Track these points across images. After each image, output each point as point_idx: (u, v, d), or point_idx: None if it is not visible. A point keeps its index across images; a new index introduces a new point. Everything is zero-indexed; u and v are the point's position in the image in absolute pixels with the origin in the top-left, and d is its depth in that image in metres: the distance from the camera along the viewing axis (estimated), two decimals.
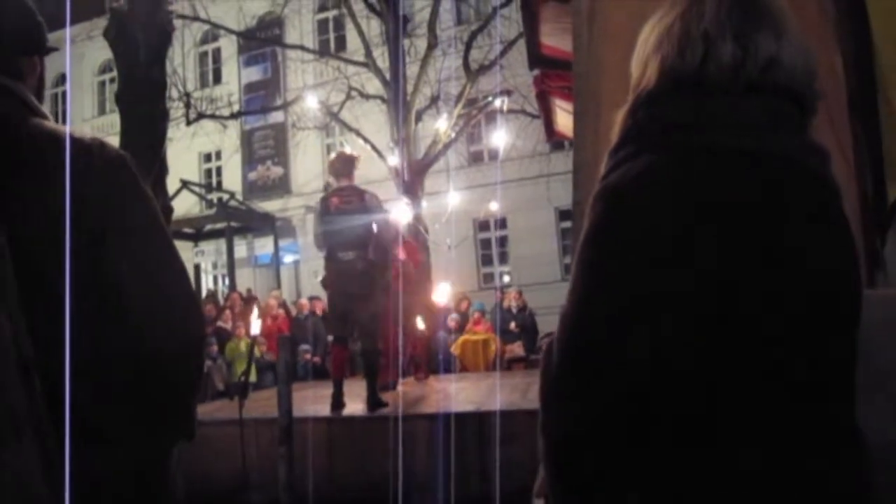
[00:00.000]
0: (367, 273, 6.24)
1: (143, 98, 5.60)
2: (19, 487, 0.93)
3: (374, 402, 6.24)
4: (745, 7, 1.15)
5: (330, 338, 8.11)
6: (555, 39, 6.10)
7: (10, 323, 0.98)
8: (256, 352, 9.19)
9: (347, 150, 7.33)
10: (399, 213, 8.68)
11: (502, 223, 21.86)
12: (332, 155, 6.89)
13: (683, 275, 1.04)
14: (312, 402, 6.72)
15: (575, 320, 1.10)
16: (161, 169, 5.86)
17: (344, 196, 6.39)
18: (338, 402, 6.27)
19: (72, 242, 1.48)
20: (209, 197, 22.86)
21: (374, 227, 6.32)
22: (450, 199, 13.84)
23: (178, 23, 7.98)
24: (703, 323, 1.03)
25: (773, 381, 1.01)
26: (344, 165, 6.52)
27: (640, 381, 1.04)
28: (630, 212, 1.09)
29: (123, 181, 1.58)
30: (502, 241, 22.45)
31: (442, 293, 9.63)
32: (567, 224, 21.19)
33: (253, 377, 9.38)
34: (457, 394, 7.31)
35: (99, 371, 1.47)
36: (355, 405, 6.40)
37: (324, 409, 6.27)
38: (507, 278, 21.15)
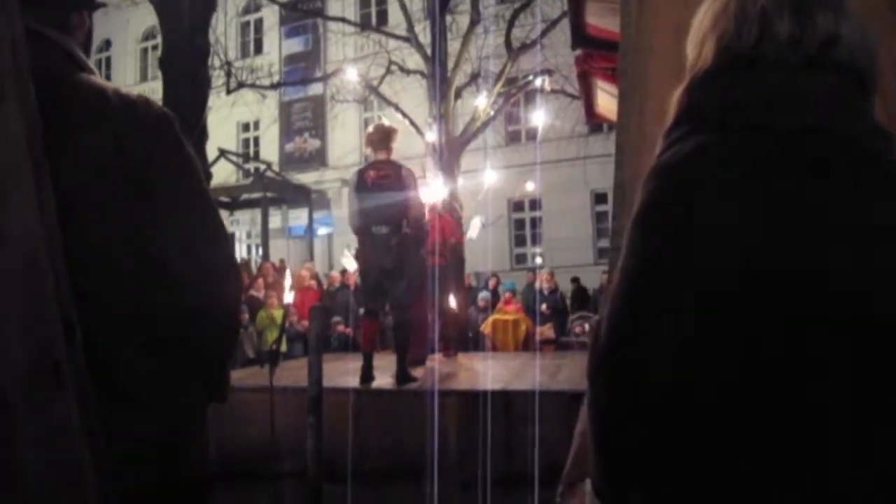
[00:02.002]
0: (401, 248, 6.21)
1: (187, 64, 5.63)
2: (59, 439, 0.93)
3: (403, 376, 6.26)
4: None
5: (361, 310, 8.12)
6: (600, 19, 6.02)
7: (56, 281, 0.97)
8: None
9: (386, 122, 7.25)
10: (435, 189, 8.63)
11: (537, 204, 21.78)
12: (370, 127, 6.82)
13: (736, 254, 1.01)
14: (342, 373, 6.75)
15: (623, 298, 1.07)
16: (201, 135, 5.90)
17: (381, 170, 6.33)
18: (367, 375, 6.29)
19: (113, 197, 1.48)
20: (246, 166, 23.01)
21: (410, 201, 6.28)
22: (486, 177, 13.78)
23: None
24: (757, 305, 0.99)
25: (830, 367, 0.98)
26: (382, 139, 6.43)
27: (690, 361, 1.01)
28: (683, 189, 1.06)
29: (168, 138, 1.58)
30: (536, 223, 22.37)
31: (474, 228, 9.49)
32: (602, 207, 21.07)
33: (283, 347, 9.46)
34: (485, 372, 7.31)
35: (136, 329, 1.48)
36: (384, 379, 6.42)
37: (353, 381, 6.29)
38: (538, 259, 21.09)
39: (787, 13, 1.10)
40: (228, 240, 1.71)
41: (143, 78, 26.79)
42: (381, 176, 6.28)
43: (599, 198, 21.11)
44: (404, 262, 6.25)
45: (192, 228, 1.57)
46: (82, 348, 1.04)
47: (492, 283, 14.03)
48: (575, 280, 14.89)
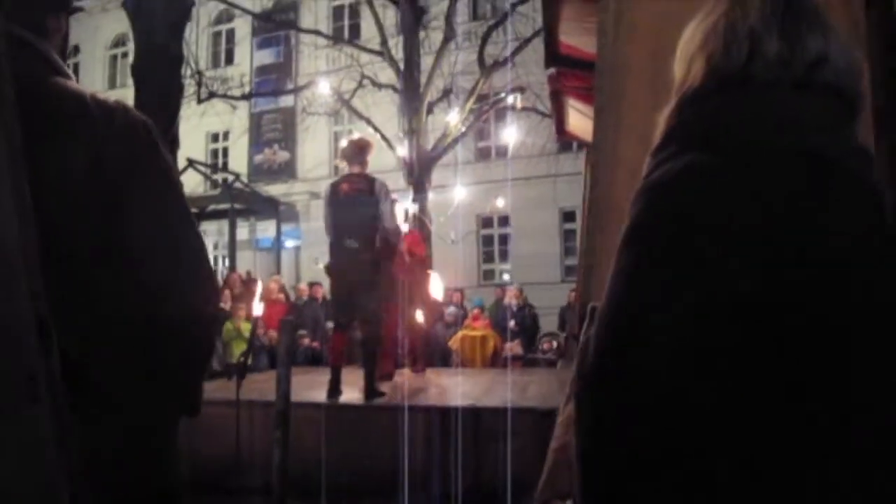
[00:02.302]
0: (373, 262, 6.18)
1: (160, 71, 5.57)
2: (33, 454, 0.90)
3: (371, 391, 6.21)
4: (791, 5, 1.13)
5: (329, 324, 8.03)
6: (574, 38, 6.06)
7: (30, 282, 0.94)
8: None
9: (356, 136, 7.22)
10: (405, 204, 8.59)
11: (505, 221, 21.83)
12: (344, 141, 6.79)
13: (725, 274, 1.00)
14: (309, 387, 6.69)
15: (613, 318, 1.06)
16: (172, 144, 5.83)
17: (354, 183, 6.31)
18: (335, 390, 6.23)
19: (90, 203, 1.45)
20: (214, 177, 22.79)
21: (382, 216, 6.26)
22: (456, 193, 13.79)
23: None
24: (749, 324, 0.99)
25: (826, 377, 0.98)
26: (356, 152, 6.42)
27: (681, 382, 1.00)
28: (673, 208, 1.06)
29: (145, 145, 1.56)
30: (504, 239, 22.42)
31: (436, 288, 9.21)
32: (570, 225, 21.18)
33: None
34: (454, 388, 7.29)
35: (110, 336, 1.45)
36: (352, 394, 6.37)
37: (320, 395, 6.24)
38: (506, 276, 21.11)
39: (776, 33, 1.10)
40: (206, 252, 1.68)
41: (112, 85, 26.47)
42: (354, 189, 6.26)
43: (568, 216, 21.22)
44: (375, 276, 6.22)
45: (170, 240, 1.55)
46: (57, 353, 1.00)
47: (456, 297, 13.90)
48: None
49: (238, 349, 9.14)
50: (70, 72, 1.64)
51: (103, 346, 1.43)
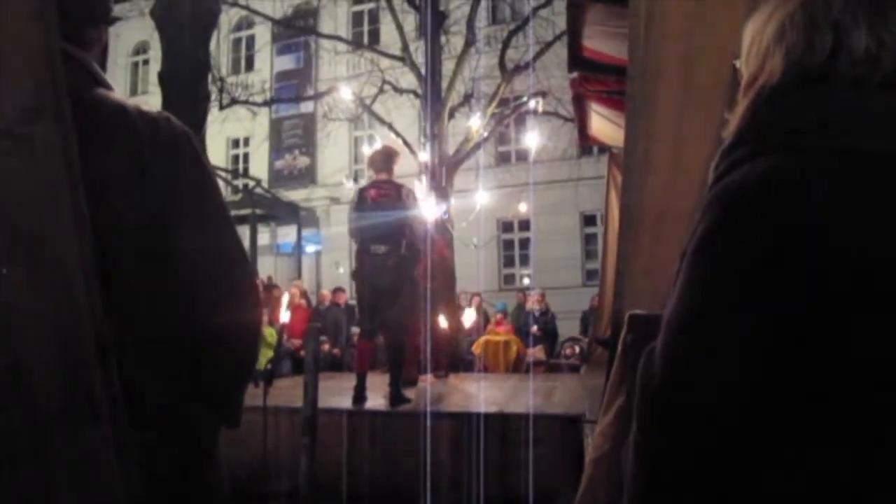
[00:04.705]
0: (399, 268, 6.19)
1: (187, 78, 5.59)
2: (95, 472, 0.89)
3: (396, 397, 6.19)
4: None
5: (355, 330, 8.01)
6: (597, 42, 6.05)
7: (90, 300, 0.93)
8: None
9: (379, 144, 7.26)
10: (429, 209, 8.58)
11: (526, 225, 21.76)
12: (372, 148, 6.83)
13: (812, 290, 0.93)
14: (333, 393, 6.68)
15: (685, 330, 0.99)
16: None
17: (382, 189, 6.33)
18: (360, 396, 6.22)
19: (136, 217, 1.45)
20: (235, 183, 22.89)
21: (409, 222, 6.27)
22: (478, 198, 13.71)
23: None
24: (836, 348, 0.92)
25: None
26: (384, 160, 6.47)
27: (763, 408, 0.93)
28: (754, 217, 0.97)
29: (189, 157, 1.55)
30: (525, 243, 22.36)
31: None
32: (591, 229, 21.11)
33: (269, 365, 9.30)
34: (479, 394, 7.26)
35: (154, 350, 1.44)
36: (376, 399, 6.36)
37: (344, 402, 6.23)
38: (526, 280, 21.06)
39: (864, 26, 1.01)
40: (249, 261, 1.67)
41: (134, 92, 26.66)
42: (381, 195, 6.28)
43: (588, 220, 21.18)
44: (401, 282, 6.22)
45: (214, 251, 1.54)
46: (116, 373, 0.99)
47: (475, 301, 13.46)
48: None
49: (263, 356, 9.15)
50: (110, 83, 1.64)
51: (147, 359, 1.42)
